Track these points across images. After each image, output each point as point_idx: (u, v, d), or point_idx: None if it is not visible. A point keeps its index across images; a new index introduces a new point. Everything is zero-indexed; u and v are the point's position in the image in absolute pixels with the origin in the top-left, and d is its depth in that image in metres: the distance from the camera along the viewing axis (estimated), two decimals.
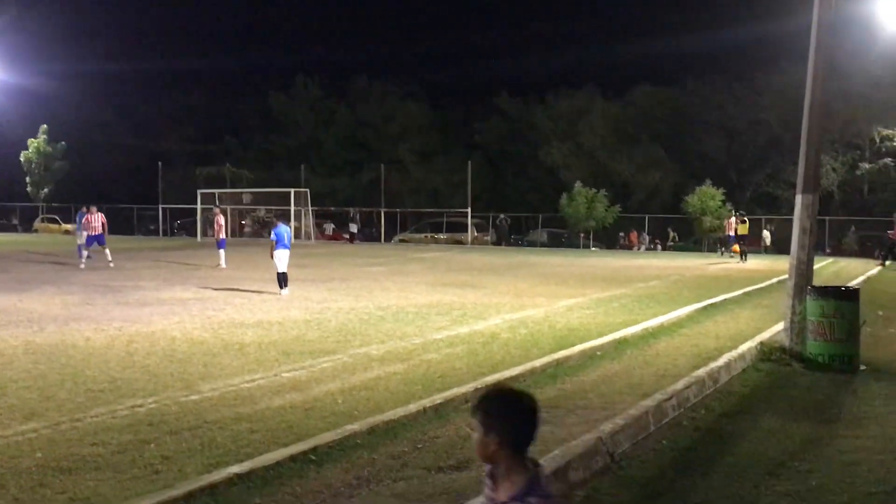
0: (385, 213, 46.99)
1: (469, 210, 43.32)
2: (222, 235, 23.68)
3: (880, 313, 14.16)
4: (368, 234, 46.37)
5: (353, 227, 44.12)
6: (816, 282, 11.31)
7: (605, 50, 66.62)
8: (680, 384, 8.00)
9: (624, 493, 5.57)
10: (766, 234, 37.07)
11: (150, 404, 7.18)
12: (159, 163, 49.95)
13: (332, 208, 49.68)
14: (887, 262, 25.90)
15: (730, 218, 31.57)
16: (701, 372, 8.64)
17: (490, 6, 75.72)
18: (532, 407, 2.55)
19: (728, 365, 9.23)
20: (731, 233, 30.63)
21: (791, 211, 11.26)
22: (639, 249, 40.44)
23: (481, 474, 5.49)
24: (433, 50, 78.77)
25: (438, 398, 7.40)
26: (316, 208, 45.78)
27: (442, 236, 43.90)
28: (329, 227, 48.61)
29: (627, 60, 60.84)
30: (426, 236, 44.44)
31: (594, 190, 41.90)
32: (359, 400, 7.45)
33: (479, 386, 7.86)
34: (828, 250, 34.27)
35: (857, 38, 35.09)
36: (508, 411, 2.54)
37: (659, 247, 41.15)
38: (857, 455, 6.43)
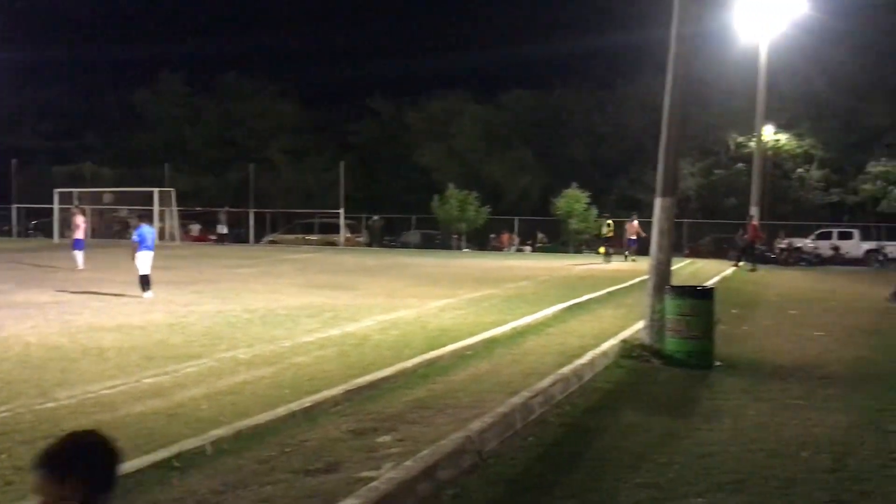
0: (254, 213, 46.11)
1: (342, 211, 43.06)
2: (79, 236, 22.61)
3: (734, 311, 14.91)
4: (237, 235, 45.33)
5: (223, 229, 43.07)
6: (675, 282, 11.81)
7: (478, 54, 67.53)
8: (546, 382, 8.19)
9: (491, 489, 5.66)
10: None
11: (3, 413, 6.80)
12: (13, 160, 47.36)
13: (199, 208, 48.33)
14: (741, 263, 27.27)
15: (632, 221, 31.91)
16: (566, 369, 8.87)
17: (362, 5, 75.51)
18: (103, 441, 2.30)
19: (592, 362, 9.52)
20: (633, 236, 31.05)
21: (652, 214, 11.74)
22: (509, 251, 41.18)
23: (351, 476, 5.51)
24: (306, 48, 77.84)
25: (307, 401, 7.31)
26: (181, 208, 44.44)
27: (314, 237, 43.42)
28: (195, 228, 47.24)
29: (499, 65, 61.96)
30: (297, 237, 43.85)
31: (466, 192, 42.43)
32: (225, 405, 7.28)
33: (350, 388, 7.84)
34: (686, 251, 35.79)
35: (715, 49, 36.95)
36: (88, 454, 2.26)
37: (528, 248, 42.00)
38: (711, 447, 6.75)
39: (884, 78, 42.73)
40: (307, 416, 7.05)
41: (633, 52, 44.77)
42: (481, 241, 43.78)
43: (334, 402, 7.46)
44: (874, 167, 41.17)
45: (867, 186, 41.34)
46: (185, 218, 46.75)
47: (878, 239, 38.29)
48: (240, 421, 6.65)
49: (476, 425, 6.56)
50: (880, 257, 35.15)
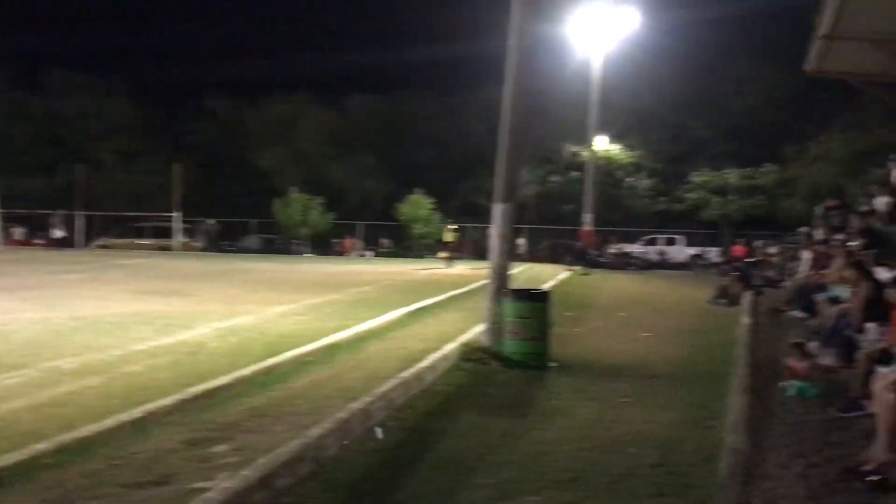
0: (84, 216, 43.81)
1: (177, 214, 41.62)
2: None
3: (568, 314, 15.41)
4: (64, 240, 42.87)
5: (57, 232, 40.45)
6: (514, 286, 12.12)
7: (321, 57, 66.91)
8: (387, 386, 8.19)
9: (330, 496, 5.61)
10: (521, 241, 38.94)
11: None
12: None
13: (24, 211, 45.40)
14: (576, 268, 28.24)
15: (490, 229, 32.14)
16: (407, 373, 8.91)
17: (197, 2, 73.10)
18: None
19: (433, 365, 9.60)
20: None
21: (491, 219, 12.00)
22: (352, 256, 41.04)
23: (184, 488, 5.31)
24: (138, 45, 74.56)
25: (138, 412, 6.99)
26: (4, 211, 41.68)
27: (147, 242, 41.77)
28: (19, 231, 44.38)
29: (343, 69, 61.45)
30: (129, 242, 42.04)
31: (309, 196, 41.99)
32: (48, 417, 6.85)
33: (184, 397, 7.57)
34: (525, 256, 36.77)
35: (552, 61, 38.21)
36: None
37: (372, 253, 41.99)
38: (546, 446, 6.96)
39: (706, 92, 45.53)
40: (138, 427, 6.74)
41: (475, 61, 45.58)
42: (324, 246, 43.42)
43: (167, 412, 7.17)
44: (697, 177, 43.76)
45: (690, 195, 43.87)
46: (8, 221, 43.85)
47: (701, 245, 40.81)
48: (65, 434, 6.29)
49: (315, 432, 6.48)
50: (702, 262, 37.43)
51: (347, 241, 43.39)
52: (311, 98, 52.21)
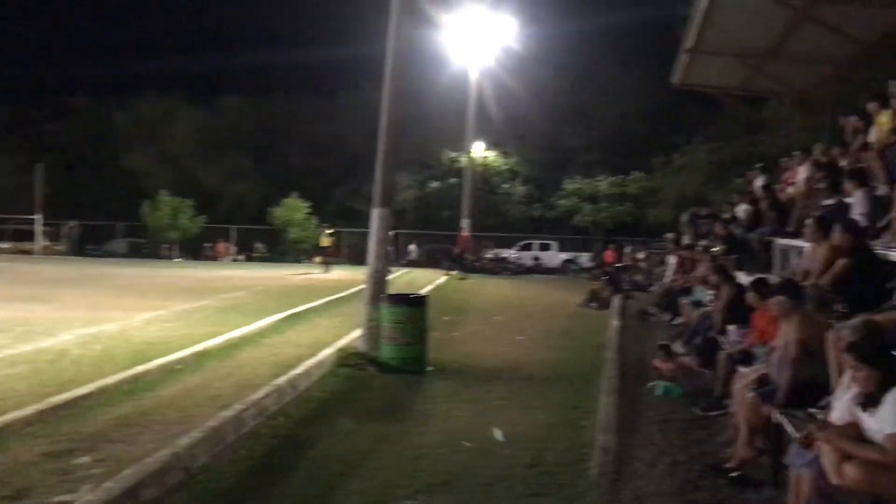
0: None
1: (38, 216, 39.65)
2: None
3: (445, 318, 15.50)
4: None
5: None
6: (391, 290, 12.09)
7: (194, 56, 65.10)
8: (260, 393, 8.02)
9: None
10: (413, 247, 38.65)
11: None
12: None
13: None
14: (453, 272, 28.47)
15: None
16: (281, 380, 8.75)
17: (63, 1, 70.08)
18: None
19: (308, 372, 9.46)
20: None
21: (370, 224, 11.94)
22: (225, 260, 40.06)
23: (44, 501, 5.03)
24: None
25: None
26: None
27: (5, 245, 39.61)
28: None
29: (217, 69, 60.05)
30: None
31: (180, 199, 40.77)
32: None
33: (44, 407, 7.18)
34: (402, 261, 36.82)
35: (431, 67, 38.48)
36: None
37: (245, 258, 41.10)
38: (421, 450, 6.95)
39: (579, 102, 46.84)
40: None
41: (353, 65, 45.56)
42: (195, 250, 42.20)
43: (26, 423, 6.79)
44: (569, 184, 44.88)
45: (563, 202, 44.96)
46: None
47: (574, 250, 41.90)
48: None
49: (184, 441, 6.27)
50: (575, 267, 38.44)
51: (220, 246, 42.32)
52: (184, 98, 50.77)
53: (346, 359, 10.58)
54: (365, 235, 13.83)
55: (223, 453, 6.54)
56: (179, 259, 39.83)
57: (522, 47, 38.09)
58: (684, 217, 20.47)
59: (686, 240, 18.44)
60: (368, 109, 37.94)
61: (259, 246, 42.73)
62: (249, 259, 40.81)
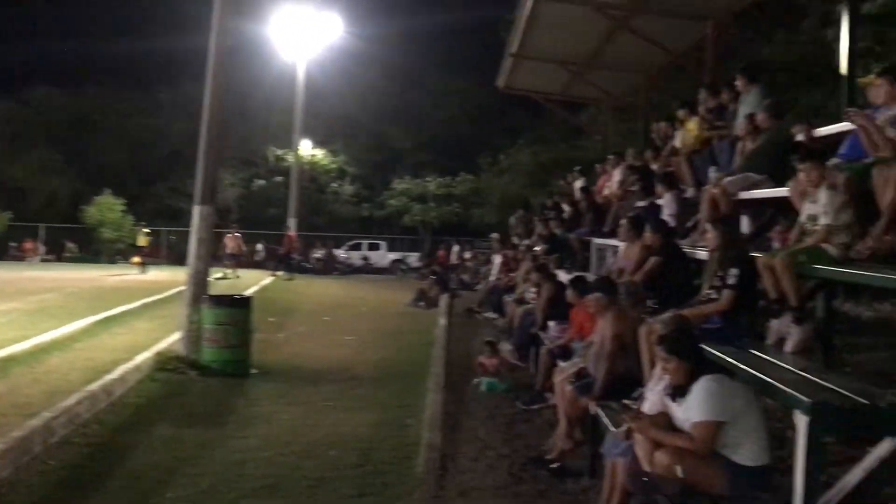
0: None
1: None
2: None
3: (271, 320, 15.22)
4: None
5: None
6: (214, 292, 11.71)
7: None
8: (71, 400, 7.57)
9: None
10: (260, 246, 37.00)
11: None
12: None
13: None
14: (279, 273, 28.00)
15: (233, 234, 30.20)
16: (95, 386, 8.30)
17: None
18: None
19: (123, 377, 9.03)
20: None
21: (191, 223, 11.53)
22: (33, 260, 37.57)
23: None
24: None
25: None
26: None
27: None
28: None
29: (22, 58, 56.14)
30: None
31: None
32: None
33: None
34: (225, 262, 35.80)
35: (257, 62, 37.74)
36: None
37: (55, 258, 38.65)
38: (245, 454, 6.79)
39: (407, 103, 47.24)
40: None
41: (172, 58, 43.76)
42: (0, 249, 39.30)
43: None
44: (399, 184, 45.20)
45: (392, 202, 45.22)
46: None
47: (402, 250, 42.20)
48: None
49: None
50: (403, 266, 38.72)
51: (28, 245, 39.62)
52: None
53: (165, 363, 10.18)
54: (185, 234, 13.36)
55: (31, 465, 6.15)
56: None
57: (350, 47, 38.11)
58: (516, 217, 20.79)
59: (517, 240, 18.82)
60: (189, 104, 36.88)
61: (70, 245, 40.20)
62: (60, 259, 38.36)
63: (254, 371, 10.42)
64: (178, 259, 32.25)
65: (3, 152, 44.48)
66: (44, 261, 37.62)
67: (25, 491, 5.69)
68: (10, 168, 43.94)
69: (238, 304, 10.93)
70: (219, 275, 25.91)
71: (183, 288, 11.84)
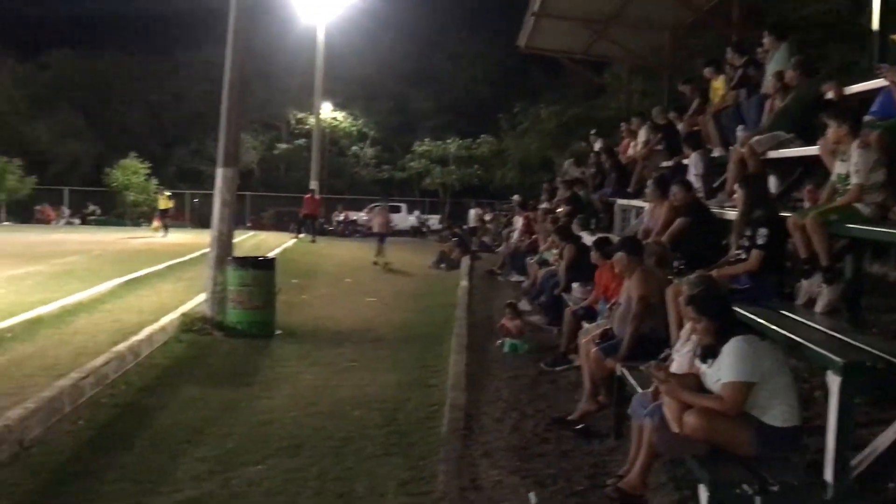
0: None
1: None
2: None
3: (294, 281, 15.28)
4: None
5: None
6: (238, 254, 11.76)
7: (15, 8, 60.54)
8: (98, 361, 7.64)
9: (31, 480, 5.14)
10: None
11: None
12: None
13: None
14: (301, 235, 28.07)
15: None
16: (122, 347, 8.37)
17: None
18: None
19: (150, 338, 9.10)
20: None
21: (214, 186, 11.54)
22: (58, 224, 37.90)
23: None
24: None
25: None
26: None
27: None
28: None
29: (42, 21, 56.02)
30: None
31: (6, 159, 38.17)
32: None
33: None
34: (248, 224, 35.97)
35: (277, 25, 37.51)
36: None
37: (79, 221, 38.98)
38: (270, 414, 6.83)
39: (427, 65, 46.93)
40: None
41: (192, 20, 43.59)
42: (25, 213, 39.64)
43: None
44: (419, 147, 45.02)
45: (413, 164, 45.10)
46: None
47: (423, 212, 42.17)
48: None
49: (16, 413, 5.90)
50: (424, 229, 38.70)
51: (52, 209, 39.95)
52: (5, 50, 47.21)
53: (191, 324, 10.26)
54: (208, 197, 13.37)
55: (59, 424, 6.22)
56: (7, 223, 37.36)
57: (370, 7, 37.73)
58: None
59: (545, 202, 18.62)
60: (209, 67, 36.86)
61: (94, 209, 40.54)
62: (84, 222, 38.73)
63: (278, 332, 10.48)
64: (201, 221, 32.39)
65: (24, 115, 44.65)
66: (68, 224, 37.95)
67: (55, 450, 5.75)
68: (32, 131, 44.13)
69: (262, 266, 10.96)
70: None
71: (206, 250, 11.89)
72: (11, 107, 44.96)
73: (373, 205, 28.88)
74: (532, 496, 5.05)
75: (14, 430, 5.66)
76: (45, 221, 38.30)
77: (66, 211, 39.98)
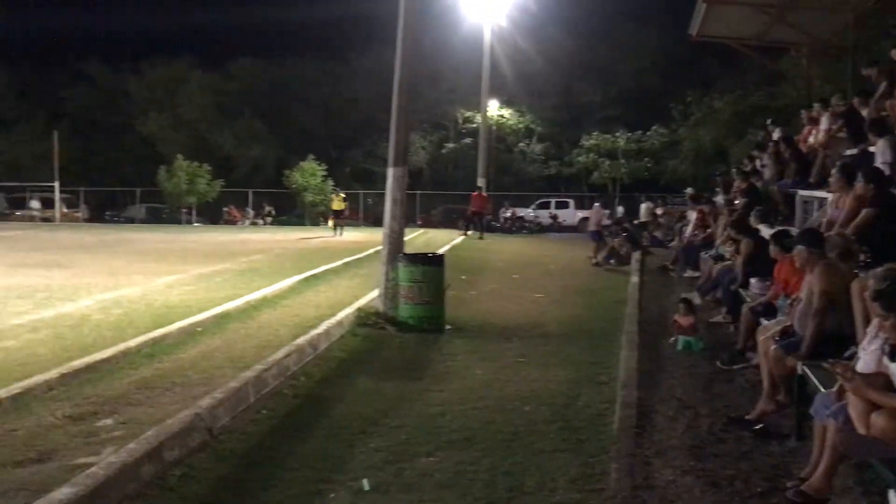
0: None
1: (57, 184, 39.84)
2: None
3: (463, 277, 15.46)
4: None
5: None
6: (408, 250, 12.03)
7: (203, 20, 64.49)
8: (280, 353, 8.02)
9: (221, 466, 5.45)
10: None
11: None
12: None
13: None
14: (469, 232, 28.40)
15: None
16: (301, 340, 8.75)
17: None
18: None
19: (327, 332, 9.47)
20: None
21: (385, 185, 11.87)
22: (243, 224, 40.15)
23: (67, 464, 5.06)
24: (8, 4, 70.40)
25: (16, 388, 6.65)
26: None
27: (26, 213, 39.94)
28: None
29: (226, 32, 59.51)
30: (8, 213, 40.22)
31: (196, 163, 40.80)
32: None
33: (66, 371, 7.22)
34: (419, 222, 36.76)
35: (443, 26, 38.14)
36: None
37: (263, 221, 41.14)
38: (441, 408, 6.94)
39: (594, 57, 46.28)
40: (17, 403, 6.41)
41: (364, 25, 45.11)
42: (213, 214, 42.26)
43: (48, 386, 6.84)
44: (587, 141, 44.49)
45: (581, 159, 44.61)
46: None
47: (589, 209, 41.59)
48: None
49: (205, 402, 6.28)
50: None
51: (237, 210, 42.38)
52: (195, 62, 50.58)
53: (365, 318, 10.58)
54: (380, 197, 13.75)
55: (245, 414, 6.55)
56: (198, 224, 39.95)
57: (535, 4, 37.66)
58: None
59: (720, 196, 18.00)
60: (379, 70, 37.91)
61: (270, 209, 42.57)
62: (270, 222, 40.86)
63: (448, 327, 10.64)
64: (375, 221, 33.40)
65: (211, 124, 47.60)
66: (252, 224, 40.11)
67: (241, 437, 6.07)
68: (218, 138, 47.00)
69: (432, 262, 11.17)
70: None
71: (379, 248, 12.24)
72: (200, 115, 48.04)
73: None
74: (364, 482, 5.05)
75: (204, 418, 6.02)
76: (231, 222, 40.69)
77: (251, 212, 42.27)
